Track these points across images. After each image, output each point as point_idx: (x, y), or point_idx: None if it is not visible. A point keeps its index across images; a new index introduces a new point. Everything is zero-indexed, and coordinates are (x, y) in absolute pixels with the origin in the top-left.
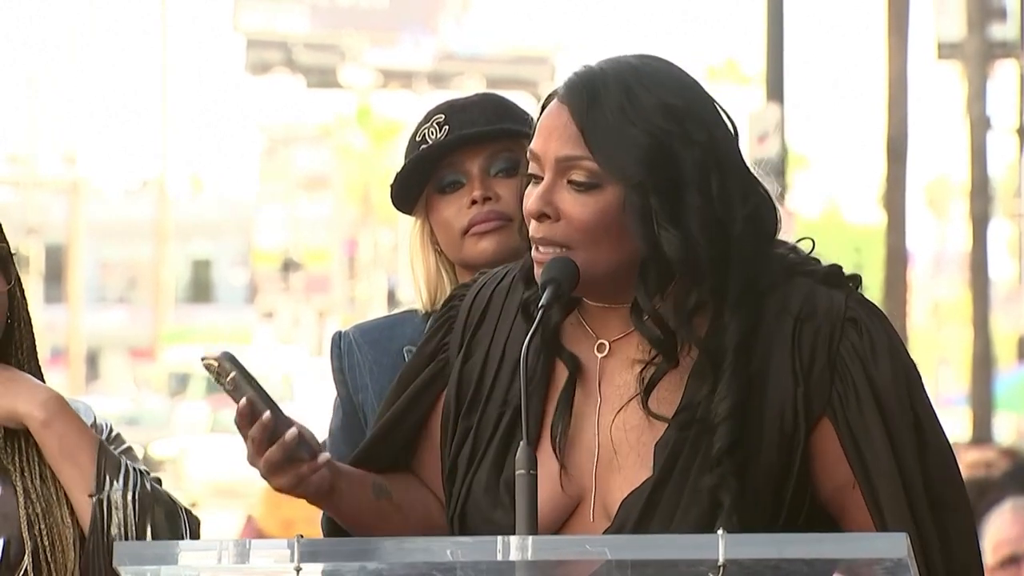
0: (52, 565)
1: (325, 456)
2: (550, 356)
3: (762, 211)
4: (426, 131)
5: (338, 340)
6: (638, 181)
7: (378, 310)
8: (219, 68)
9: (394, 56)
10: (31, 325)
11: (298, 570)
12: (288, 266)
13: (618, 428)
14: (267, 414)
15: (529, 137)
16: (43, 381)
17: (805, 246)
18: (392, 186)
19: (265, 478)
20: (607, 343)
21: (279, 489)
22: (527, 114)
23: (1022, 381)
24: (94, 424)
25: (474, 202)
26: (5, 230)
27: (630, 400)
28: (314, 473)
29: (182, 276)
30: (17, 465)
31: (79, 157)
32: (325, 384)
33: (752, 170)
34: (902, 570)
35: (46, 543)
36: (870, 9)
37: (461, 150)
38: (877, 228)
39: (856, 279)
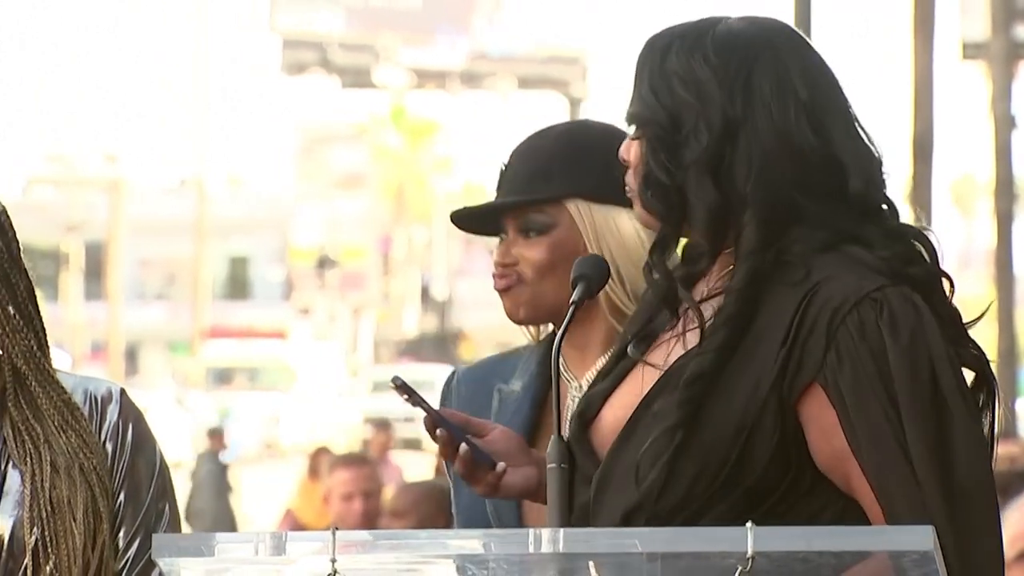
0: (57, 567)
1: (503, 466)
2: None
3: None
4: (498, 178)
5: (449, 379)
6: (642, 130)
7: (412, 306)
8: (256, 69)
9: (428, 56)
10: (22, 333)
11: (333, 562)
12: (324, 263)
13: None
14: (439, 432)
15: (547, 200)
16: (56, 383)
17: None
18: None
19: None
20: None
21: (483, 495)
22: (577, 164)
23: None
24: (119, 413)
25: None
26: (47, 227)
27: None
28: (499, 480)
29: (220, 273)
30: (28, 464)
31: (119, 156)
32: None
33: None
34: (928, 562)
35: (50, 549)
36: (896, 11)
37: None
38: None
39: (925, 279)
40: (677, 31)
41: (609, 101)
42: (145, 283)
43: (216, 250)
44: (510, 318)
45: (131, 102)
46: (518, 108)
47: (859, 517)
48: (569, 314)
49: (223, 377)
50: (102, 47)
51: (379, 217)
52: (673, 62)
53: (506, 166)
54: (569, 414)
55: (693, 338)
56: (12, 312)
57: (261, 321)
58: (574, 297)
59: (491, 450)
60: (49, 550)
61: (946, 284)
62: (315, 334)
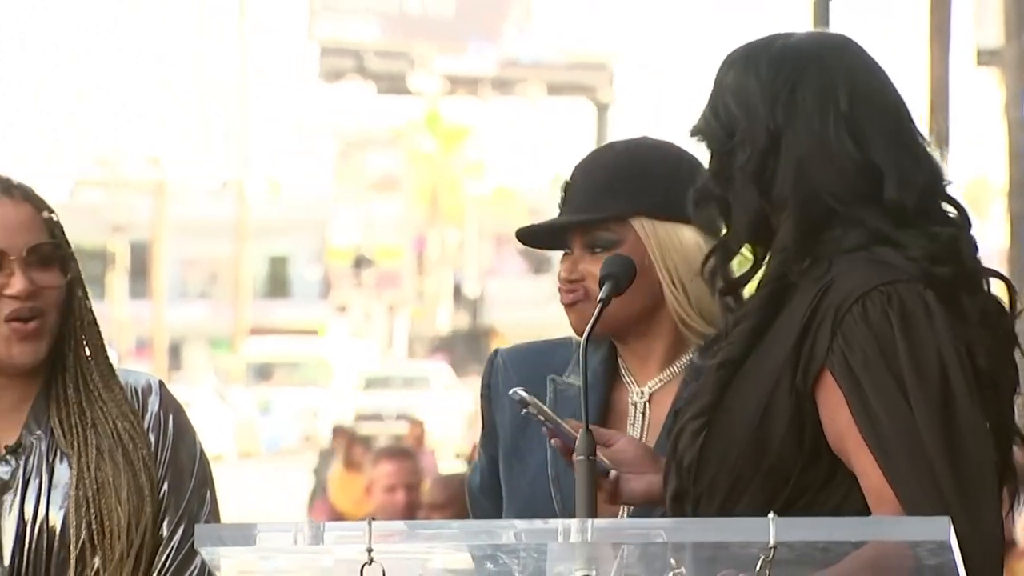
0: (100, 547)
1: (614, 473)
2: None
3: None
4: (561, 195)
5: (493, 356)
6: (702, 140)
7: (445, 304)
8: (295, 75)
9: (460, 63)
10: (96, 325)
11: (370, 551)
12: (360, 263)
13: None
14: (553, 443)
15: (614, 218)
16: (117, 380)
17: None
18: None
19: None
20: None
21: (606, 502)
22: (641, 182)
23: None
24: (160, 404)
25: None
26: (94, 228)
27: None
28: (616, 487)
29: (260, 272)
30: (75, 448)
31: (163, 159)
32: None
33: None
34: (944, 552)
35: (94, 527)
36: (913, 18)
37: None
38: None
39: (952, 279)
40: (746, 48)
41: (635, 106)
42: (188, 282)
43: (256, 250)
44: (576, 333)
45: (175, 108)
46: (547, 113)
47: None
48: (597, 311)
49: (263, 373)
50: (150, 53)
51: (413, 219)
52: (731, 78)
53: (569, 183)
54: (631, 415)
55: None
56: (89, 305)
57: (300, 319)
58: (602, 295)
59: (618, 459)
60: (95, 535)
61: (1003, 288)
62: (351, 331)
